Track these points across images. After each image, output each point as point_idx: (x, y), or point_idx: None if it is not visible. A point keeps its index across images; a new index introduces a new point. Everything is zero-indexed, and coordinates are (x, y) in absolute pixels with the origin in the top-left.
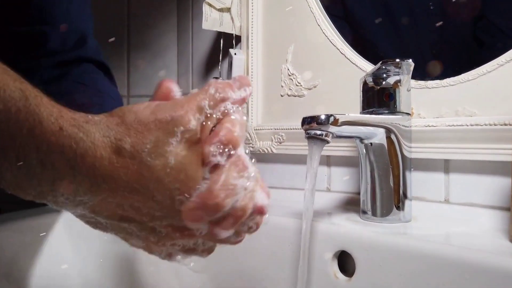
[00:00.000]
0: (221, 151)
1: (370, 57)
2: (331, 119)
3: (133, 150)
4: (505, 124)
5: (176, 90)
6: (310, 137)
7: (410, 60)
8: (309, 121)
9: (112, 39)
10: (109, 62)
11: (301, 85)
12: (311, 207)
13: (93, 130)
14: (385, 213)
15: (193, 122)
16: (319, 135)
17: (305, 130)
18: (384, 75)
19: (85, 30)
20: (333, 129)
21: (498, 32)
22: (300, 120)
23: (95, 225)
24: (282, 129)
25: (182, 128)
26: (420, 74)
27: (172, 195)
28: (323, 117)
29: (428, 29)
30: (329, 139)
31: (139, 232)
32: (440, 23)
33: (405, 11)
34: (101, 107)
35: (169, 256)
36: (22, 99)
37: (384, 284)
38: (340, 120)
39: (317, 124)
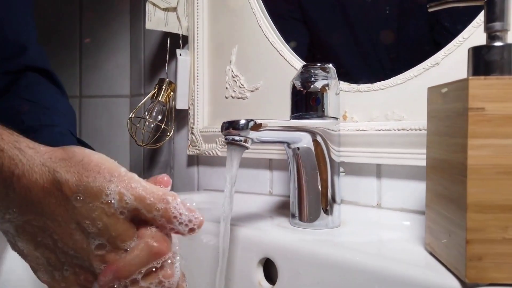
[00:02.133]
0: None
1: (320, 60)
2: (251, 124)
3: (66, 187)
4: None
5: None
6: (229, 143)
7: (331, 65)
8: (227, 126)
9: (88, 40)
10: (61, 62)
11: (244, 87)
12: (229, 212)
13: (34, 157)
14: (312, 218)
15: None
16: (237, 140)
17: (224, 135)
18: (312, 79)
19: (25, 38)
20: (252, 134)
21: (449, 35)
22: None
23: (13, 246)
24: None
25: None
26: (362, 76)
27: (89, 242)
28: (242, 122)
29: (379, 32)
30: (248, 144)
31: (48, 265)
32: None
33: (360, 14)
34: (51, 128)
35: None
36: None
37: None
38: (261, 126)
39: (234, 129)
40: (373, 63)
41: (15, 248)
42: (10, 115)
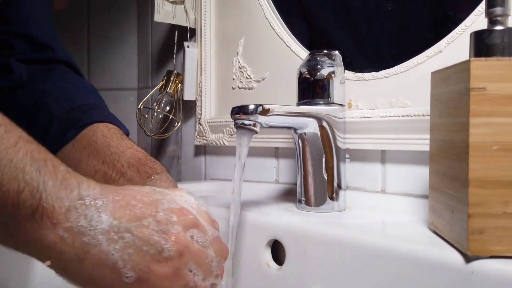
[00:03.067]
0: None
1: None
2: (259, 109)
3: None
4: None
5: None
6: (239, 127)
7: (337, 52)
8: (237, 111)
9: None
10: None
11: (251, 78)
12: (239, 197)
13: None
14: (318, 203)
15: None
16: (247, 125)
17: (234, 120)
18: (319, 66)
19: (50, 36)
20: (261, 119)
21: (451, 23)
22: None
23: None
24: (232, 121)
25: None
26: (367, 65)
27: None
28: (251, 107)
29: (380, 24)
30: (257, 129)
31: None
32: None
33: (361, 3)
34: (99, 108)
35: None
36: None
37: (311, 271)
38: (269, 111)
39: (244, 114)
40: (377, 52)
41: None
42: (58, 96)
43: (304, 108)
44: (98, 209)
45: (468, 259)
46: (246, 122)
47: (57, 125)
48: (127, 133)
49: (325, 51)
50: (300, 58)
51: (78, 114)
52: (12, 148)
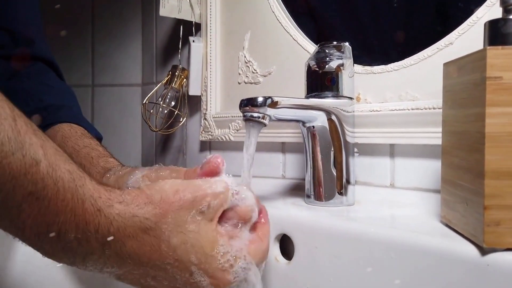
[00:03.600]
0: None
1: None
2: (268, 101)
3: (157, 228)
4: None
5: (222, 167)
6: (247, 119)
7: (347, 43)
8: (246, 103)
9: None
10: (73, 51)
11: (257, 72)
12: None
13: (125, 211)
14: (327, 197)
15: (213, 202)
16: (256, 117)
17: (243, 112)
18: (327, 58)
19: (33, 31)
20: (270, 111)
21: (462, 15)
22: None
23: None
24: (238, 116)
25: (200, 207)
26: (375, 58)
27: (191, 271)
28: (260, 99)
29: (388, 16)
30: (266, 121)
31: None
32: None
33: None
34: (70, 108)
35: None
36: (70, 181)
37: (320, 266)
38: (277, 103)
39: (253, 106)
40: (386, 44)
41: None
42: (28, 94)
43: (313, 101)
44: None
45: (483, 251)
46: (255, 114)
47: None
48: (97, 136)
49: (335, 42)
50: (307, 51)
51: (43, 114)
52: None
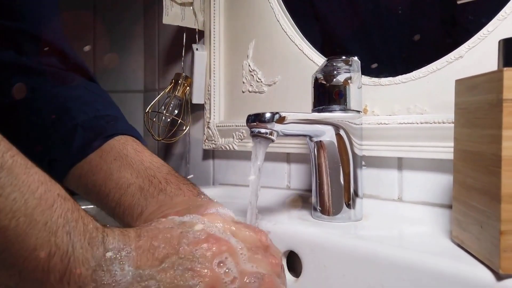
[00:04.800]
0: None
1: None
2: (276, 117)
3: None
4: (452, 122)
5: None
6: (255, 135)
7: (356, 58)
8: (253, 119)
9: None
10: None
11: (261, 82)
12: (255, 206)
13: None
14: (335, 211)
15: None
16: (263, 133)
17: (250, 128)
18: (335, 72)
19: (59, 34)
20: (278, 127)
21: (472, 28)
22: None
23: None
24: (242, 125)
25: None
26: (383, 70)
27: None
28: (268, 115)
29: (395, 28)
30: (273, 137)
31: None
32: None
33: (373, 10)
34: (122, 121)
35: None
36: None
37: (328, 284)
38: (285, 119)
39: (261, 122)
40: (394, 56)
41: None
42: (81, 101)
43: (321, 115)
44: (122, 261)
45: (499, 277)
46: (263, 130)
47: (82, 133)
48: (146, 145)
49: (343, 57)
50: (313, 61)
51: (103, 123)
52: (49, 210)
